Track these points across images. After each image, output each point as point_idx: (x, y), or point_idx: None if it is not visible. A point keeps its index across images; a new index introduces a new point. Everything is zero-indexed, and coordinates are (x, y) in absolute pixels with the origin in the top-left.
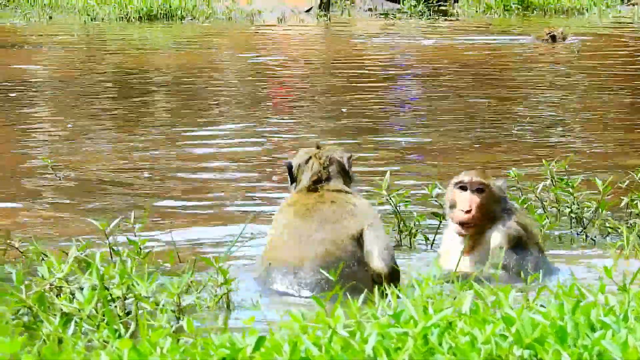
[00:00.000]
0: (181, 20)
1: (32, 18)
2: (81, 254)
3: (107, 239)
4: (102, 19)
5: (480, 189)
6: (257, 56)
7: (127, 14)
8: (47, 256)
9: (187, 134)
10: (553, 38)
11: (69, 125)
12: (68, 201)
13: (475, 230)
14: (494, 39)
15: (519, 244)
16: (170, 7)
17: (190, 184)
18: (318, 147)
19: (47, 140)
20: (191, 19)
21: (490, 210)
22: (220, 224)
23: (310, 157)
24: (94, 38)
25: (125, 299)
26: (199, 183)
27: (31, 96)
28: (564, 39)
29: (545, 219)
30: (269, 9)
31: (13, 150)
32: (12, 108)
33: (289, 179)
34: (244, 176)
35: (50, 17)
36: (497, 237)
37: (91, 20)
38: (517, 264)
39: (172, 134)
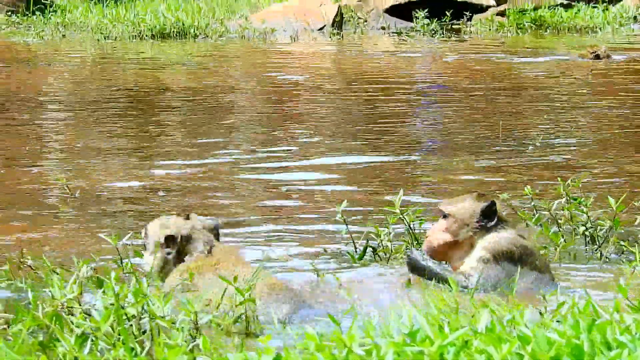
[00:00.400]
0: (194, 38)
1: (45, 36)
2: (90, 269)
3: (120, 254)
4: (116, 38)
5: (445, 215)
6: (272, 74)
7: (140, 32)
8: (57, 274)
9: (203, 151)
10: (597, 56)
11: (83, 143)
12: (82, 218)
13: (443, 256)
14: (533, 59)
15: (509, 259)
16: (183, 25)
17: (205, 202)
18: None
19: (60, 158)
20: (204, 37)
21: (457, 235)
22: (236, 242)
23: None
24: (108, 56)
25: (141, 317)
26: (214, 200)
27: (45, 114)
28: (607, 57)
29: (561, 237)
30: (282, 27)
31: (26, 167)
32: (26, 125)
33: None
34: (261, 195)
35: (64, 36)
36: (479, 249)
37: (105, 38)
38: (498, 278)
39: (186, 152)
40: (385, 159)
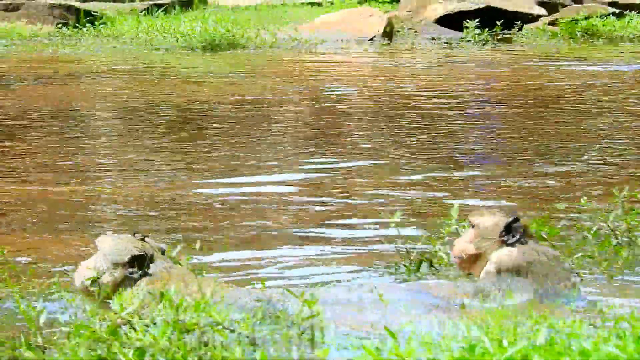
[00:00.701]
0: (244, 49)
1: (95, 48)
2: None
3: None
4: (166, 49)
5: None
6: (322, 85)
7: (190, 44)
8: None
9: (249, 164)
10: None
11: (132, 155)
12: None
13: (469, 267)
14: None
15: (517, 272)
16: (233, 36)
17: (250, 215)
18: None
19: (107, 170)
20: (254, 49)
21: (480, 248)
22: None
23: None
24: (157, 68)
25: (200, 330)
26: (260, 213)
27: (94, 126)
28: None
29: (624, 250)
30: (332, 38)
31: (73, 180)
32: (74, 138)
33: None
34: (309, 207)
35: (114, 47)
36: (489, 262)
37: (154, 50)
38: (502, 293)
39: (232, 165)
40: (442, 168)
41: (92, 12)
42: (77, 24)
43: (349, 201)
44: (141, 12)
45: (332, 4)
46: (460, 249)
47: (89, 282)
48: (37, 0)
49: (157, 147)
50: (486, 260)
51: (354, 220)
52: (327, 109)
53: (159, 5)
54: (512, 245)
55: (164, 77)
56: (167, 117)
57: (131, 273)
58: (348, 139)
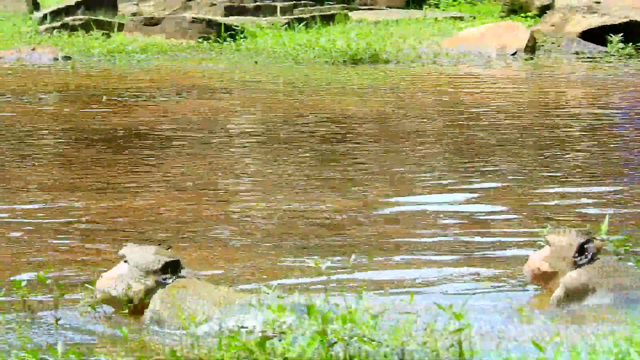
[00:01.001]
0: (386, 63)
1: (237, 62)
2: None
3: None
4: (308, 63)
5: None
6: (464, 99)
7: (331, 58)
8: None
9: (392, 180)
10: None
11: (274, 170)
12: (272, 244)
13: (544, 283)
14: None
15: (583, 295)
16: (374, 50)
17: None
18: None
19: (248, 185)
20: (396, 63)
21: (554, 266)
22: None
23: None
24: (299, 82)
25: (347, 342)
26: (395, 231)
27: (236, 140)
28: None
29: None
30: (474, 52)
31: (218, 195)
32: (216, 153)
33: None
34: (448, 224)
35: (256, 62)
36: (559, 287)
37: (296, 64)
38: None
39: (377, 180)
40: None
41: (232, 27)
42: (217, 39)
43: (483, 215)
44: (282, 26)
45: (474, 18)
46: (534, 265)
47: (115, 291)
48: (178, 14)
49: (299, 161)
50: (558, 280)
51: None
52: (470, 123)
53: (300, 20)
54: (582, 265)
55: (305, 91)
56: (308, 131)
57: (164, 279)
58: (498, 155)
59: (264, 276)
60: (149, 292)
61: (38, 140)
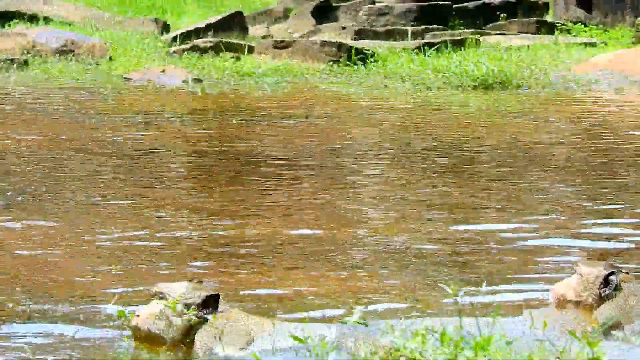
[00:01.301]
0: (517, 88)
1: (367, 86)
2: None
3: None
4: (438, 88)
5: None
6: (596, 127)
7: (462, 83)
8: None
9: (523, 208)
10: None
11: (403, 195)
12: (401, 268)
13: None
14: None
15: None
16: (505, 76)
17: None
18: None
19: (376, 208)
20: (527, 88)
21: (580, 295)
22: None
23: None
24: (428, 106)
25: None
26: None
27: (362, 164)
28: None
29: None
30: (606, 79)
31: (353, 218)
32: (342, 176)
33: None
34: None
35: (386, 86)
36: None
37: (427, 88)
38: None
39: (507, 206)
40: None
41: (363, 50)
42: (348, 62)
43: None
44: (413, 50)
45: (605, 44)
46: (561, 292)
47: (155, 327)
48: (308, 38)
49: (430, 186)
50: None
51: None
52: (608, 153)
53: (430, 44)
54: (607, 297)
55: (435, 115)
56: (438, 156)
57: (206, 313)
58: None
59: (397, 300)
60: (192, 327)
61: (168, 162)
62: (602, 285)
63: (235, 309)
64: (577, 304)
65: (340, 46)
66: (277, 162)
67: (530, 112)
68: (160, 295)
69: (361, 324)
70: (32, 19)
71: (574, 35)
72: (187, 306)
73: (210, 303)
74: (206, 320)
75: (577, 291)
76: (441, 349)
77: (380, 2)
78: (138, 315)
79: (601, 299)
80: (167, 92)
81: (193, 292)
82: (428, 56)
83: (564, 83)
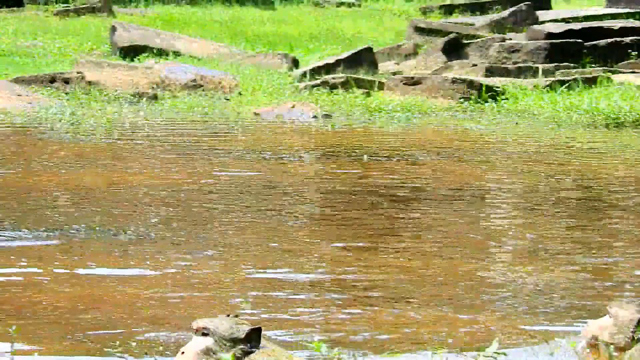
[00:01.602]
0: None
1: (498, 124)
2: None
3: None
4: (569, 126)
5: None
6: None
7: (594, 121)
8: None
9: None
10: None
11: (534, 242)
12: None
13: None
14: None
15: None
16: (639, 114)
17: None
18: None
19: (506, 247)
20: None
21: (612, 338)
22: None
23: None
24: (560, 146)
25: None
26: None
27: (491, 202)
28: None
29: None
30: None
31: (473, 257)
32: (474, 213)
33: None
34: None
35: (517, 124)
36: None
37: (558, 126)
38: None
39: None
40: None
41: (494, 88)
42: (478, 99)
43: None
44: (544, 88)
45: None
46: (593, 332)
47: None
48: (439, 74)
49: (559, 230)
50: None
51: None
52: None
53: (561, 82)
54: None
55: (566, 154)
56: (568, 195)
57: (250, 347)
58: None
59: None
60: None
61: (296, 200)
62: (634, 329)
63: (275, 345)
64: (609, 345)
65: (471, 83)
66: (405, 199)
67: None
68: (204, 332)
69: (499, 354)
70: (162, 53)
71: None
72: (234, 341)
73: (253, 337)
74: (249, 354)
75: (610, 334)
76: None
77: (510, 40)
78: (183, 353)
79: (633, 341)
80: (297, 128)
81: (237, 326)
82: (559, 94)
83: None
